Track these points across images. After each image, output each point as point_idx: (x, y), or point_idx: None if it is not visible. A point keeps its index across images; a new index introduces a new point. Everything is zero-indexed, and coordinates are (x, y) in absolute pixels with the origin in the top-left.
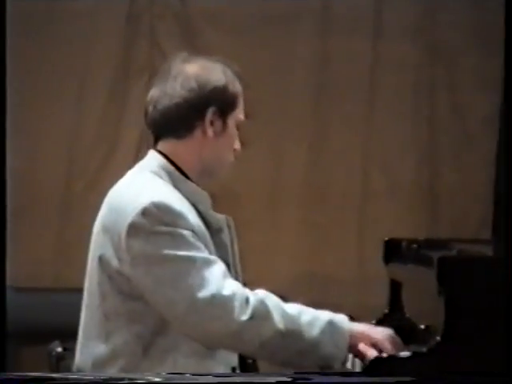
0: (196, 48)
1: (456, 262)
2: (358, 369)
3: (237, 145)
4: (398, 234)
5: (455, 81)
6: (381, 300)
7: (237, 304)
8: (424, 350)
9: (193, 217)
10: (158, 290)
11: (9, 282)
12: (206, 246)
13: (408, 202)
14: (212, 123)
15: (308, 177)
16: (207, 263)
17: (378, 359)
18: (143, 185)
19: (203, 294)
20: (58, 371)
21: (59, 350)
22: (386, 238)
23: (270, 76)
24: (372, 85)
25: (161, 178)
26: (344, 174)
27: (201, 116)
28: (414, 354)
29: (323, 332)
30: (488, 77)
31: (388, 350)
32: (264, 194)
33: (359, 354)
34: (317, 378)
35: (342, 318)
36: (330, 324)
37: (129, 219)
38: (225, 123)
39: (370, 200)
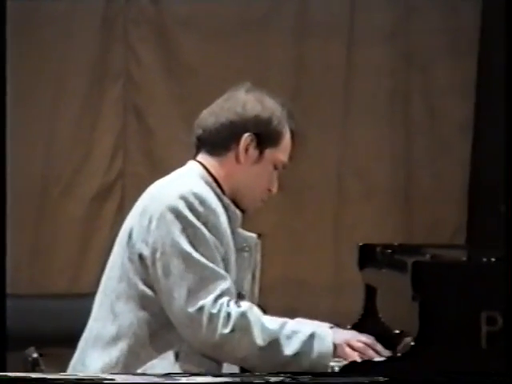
0: (170, 53)
1: (430, 266)
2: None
3: (273, 187)
4: (373, 238)
5: (430, 86)
6: (356, 305)
7: (220, 320)
8: (398, 354)
9: (224, 220)
10: (162, 280)
11: None
12: (226, 260)
13: (383, 207)
14: (247, 150)
15: (283, 181)
16: (214, 276)
17: (352, 363)
18: (187, 179)
19: (192, 306)
20: None
21: (35, 355)
22: (361, 243)
23: (244, 80)
24: (347, 90)
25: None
26: (319, 178)
27: (237, 139)
28: (389, 359)
29: (304, 345)
30: (462, 82)
31: (368, 356)
32: None
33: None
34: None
35: (324, 330)
36: (312, 336)
37: (165, 202)
38: (261, 155)
39: (346, 205)
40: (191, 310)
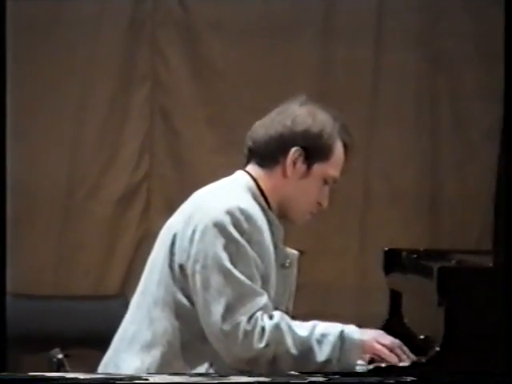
0: (197, 55)
1: (456, 272)
2: None
3: (323, 201)
4: (398, 243)
5: (457, 91)
6: (381, 309)
7: (255, 336)
8: (423, 359)
9: (267, 236)
10: (200, 292)
11: (9, 288)
12: (265, 276)
13: (409, 211)
14: (294, 164)
15: None
16: (252, 293)
17: (377, 368)
18: (234, 191)
19: (229, 323)
20: None
21: (60, 356)
22: (386, 248)
23: (271, 84)
24: (374, 94)
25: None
26: (345, 182)
27: (285, 153)
28: (414, 364)
29: (334, 348)
30: (490, 87)
31: (395, 353)
32: None
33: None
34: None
35: (352, 329)
36: (341, 337)
37: (211, 215)
38: (309, 169)
39: (372, 209)
40: (227, 325)
